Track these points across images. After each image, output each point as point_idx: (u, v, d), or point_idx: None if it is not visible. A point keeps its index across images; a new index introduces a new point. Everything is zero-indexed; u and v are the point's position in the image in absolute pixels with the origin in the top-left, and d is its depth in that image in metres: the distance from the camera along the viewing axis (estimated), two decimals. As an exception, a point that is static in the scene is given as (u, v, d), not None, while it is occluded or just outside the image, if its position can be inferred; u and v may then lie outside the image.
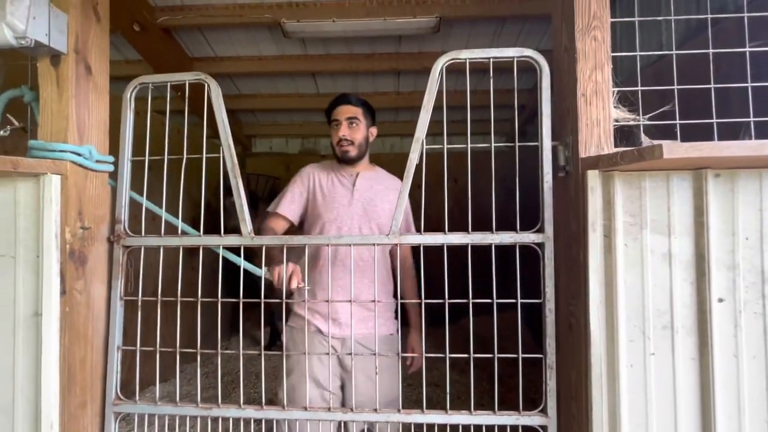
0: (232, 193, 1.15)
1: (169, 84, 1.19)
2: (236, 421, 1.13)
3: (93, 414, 1.14)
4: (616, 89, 1.01)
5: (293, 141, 4.86)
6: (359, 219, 1.43)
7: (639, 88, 1.00)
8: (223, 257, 1.19)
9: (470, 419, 1.06)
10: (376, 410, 1.11)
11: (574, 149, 1.02)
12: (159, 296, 1.14)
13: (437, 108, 1.07)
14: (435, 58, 1.08)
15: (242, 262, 1.20)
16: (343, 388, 1.40)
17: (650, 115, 1.00)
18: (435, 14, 2.37)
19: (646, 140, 0.96)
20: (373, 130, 1.54)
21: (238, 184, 1.14)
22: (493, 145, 1.09)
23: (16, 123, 1.14)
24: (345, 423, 1.36)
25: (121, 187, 1.18)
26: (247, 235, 1.15)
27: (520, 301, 1.06)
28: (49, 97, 1.09)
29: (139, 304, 1.15)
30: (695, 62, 1.12)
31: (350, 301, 1.17)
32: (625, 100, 1.03)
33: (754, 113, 0.97)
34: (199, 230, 1.18)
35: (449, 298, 1.08)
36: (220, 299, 1.15)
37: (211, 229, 1.18)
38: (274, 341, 3.56)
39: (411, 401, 2.36)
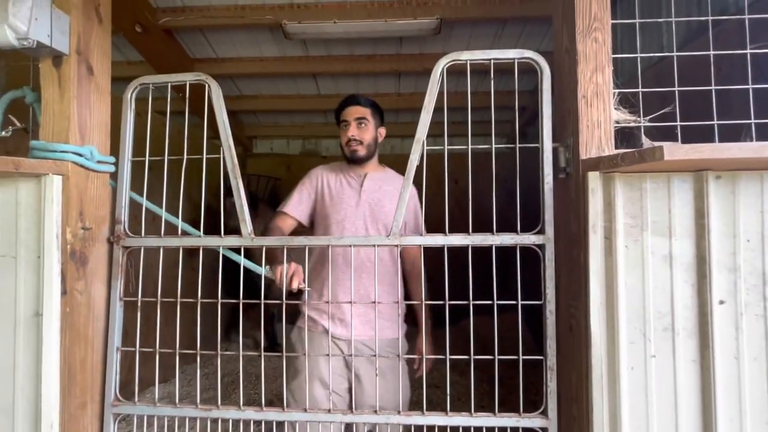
0: (233, 193, 1.15)
1: (169, 84, 1.19)
2: (236, 422, 1.12)
3: (93, 414, 1.13)
4: (617, 91, 1.01)
5: (294, 142, 4.86)
6: (366, 220, 1.43)
7: (640, 89, 1.00)
8: (224, 255, 1.19)
9: (470, 421, 1.06)
10: (376, 412, 1.11)
11: (574, 151, 1.02)
12: (159, 297, 1.14)
13: (438, 109, 1.07)
14: (436, 60, 1.08)
15: (242, 261, 1.20)
16: (351, 390, 1.40)
17: (651, 116, 1.00)
18: (436, 16, 2.38)
19: (646, 142, 0.96)
20: (382, 131, 1.54)
21: (239, 184, 1.14)
22: (493, 146, 1.09)
23: (18, 123, 1.14)
24: (353, 425, 1.37)
25: (121, 188, 1.18)
26: (247, 236, 1.15)
27: (520, 302, 1.06)
28: (50, 97, 1.10)
29: (139, 304, 1.15)
30: (696, 64, 1.12)
31: (350, 302, 1.17)
32: (625, 102, 1.03)
33: (755, 115, 0.97)
34: (197, 234, 1.18)
35: (450, 300, 1.08)
36: (220, 300, 1.15)
37: (212, 229, 1.18)
38: (274, 343, 3.55)
39: (411, 402, 2.36)
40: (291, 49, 2.94)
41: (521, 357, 1.05)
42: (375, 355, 1.15)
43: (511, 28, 2.62)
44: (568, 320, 1.06)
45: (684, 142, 0.90)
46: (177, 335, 1.14)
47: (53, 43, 1.05)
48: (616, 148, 1.00)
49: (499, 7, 2.37)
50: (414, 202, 1.48)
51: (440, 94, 1.07)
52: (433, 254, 1.20)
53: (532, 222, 1.06)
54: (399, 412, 1.10)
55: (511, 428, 1.05)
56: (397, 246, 1.13)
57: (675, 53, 1.02)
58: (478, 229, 1.07)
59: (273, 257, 1.26)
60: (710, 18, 1.05)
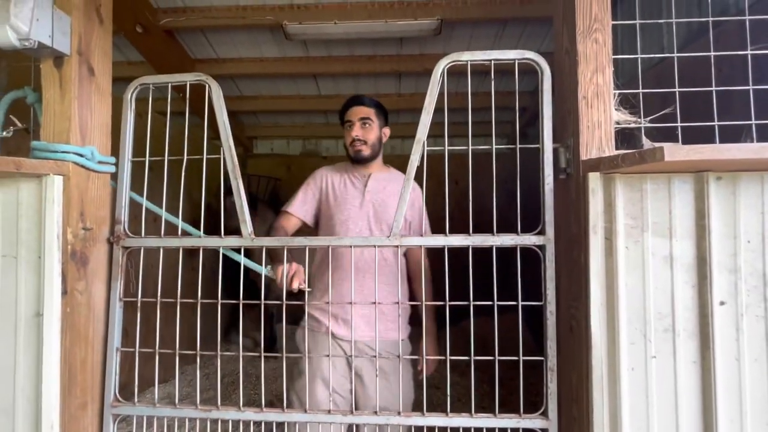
0: (232, 192, 1.15)
1: (170, 85, 1.19)
2: (236, 423, 1.12)
3: (93, 415, 1.14)
4: (618, 92, 1.01)
5: (294, 142, 4.86)
6: (370, 220, 1.43)
7: (640, 90, 1.00)
8: (225, 255, 1.19)
9: (471, 422, 1.05)
10: (376, 413, 1.11)
11: (575, 151, 1.02)
12: (158, 297, 1.14)
13: (438, 110, 1.07)
14: (436, 60, 1.08)
15: (242, 260, 1.20)
16: (352, 391, 1.40)
17: (651, 117, 1.00)
18: (436, 16, 2.38)
19: (647, 143, 0.96)
20: (386, 131, 1.54)
21: (239, 185, 1.14)
22: (494, 147, 1.09)
23: (19, 124, 1.14)
24: (356, 426, 1.37)
25: (121, 188, 1.18)
26: (248, 237, 1.15)
27: (521, 303, 1.06)
28: (51, 98, 1.10)
29: (139, 305, 1.15)
30: (697, 65, 1.12)
31: (351, 303, 1.17)
32: (626, 103, 1.03)
33: (756, 116, 0.97)
34: (197, 234, 1.18)
35: (450, 300, 1.08)
36: (220, 301, 1.15)
37: (212, 230, 1.18)
38: (273, 344, 3.53)
39: (414, 404, 2.35)
40: (291, 49, 2.95)
41: (521, 358, 1.05)
42: (375, 356, 1.15)
43: (511, 28, 2.63)
44: (568, 321, 1.06)
45: (684, 143, 0.90)
46: (177, 336, 1.14)
47: (54, 44, 1.05)
48: (617, 148, 1.00)
49: (500, 7, 2.37)
50: (420, 203, 1.48)
51: (441, 94, 1.07)
52: (433, 255, 1.20)
53: (533, 223, 1.06)
54: (399, 413, 1.09)
55: (512, 429, 1.04)
56: (397, 247, 1.13)
57: (675, 54, 1.02)
58: (478, 229, 1.07)
59: (276, 256, 1.26)
60: (711, 19, 1.05)
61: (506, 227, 1.09)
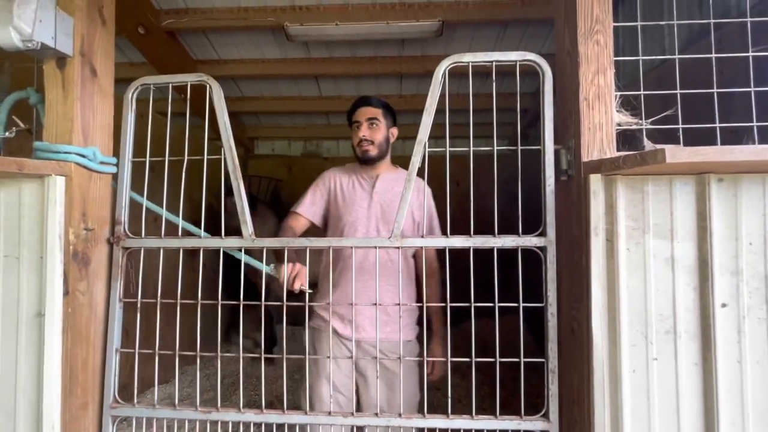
0: (232, 192, 1.15)
1: (170, 85, 1.19)
2: (236, 424, 1.12)
3: (94, 415, 1.14)
4: (619, 93, 1.01)
5: (295, 143, 4.87)
6: (377, 221, 1.43)
7: (641, 92, 1.00)
8: (226, 252, 1.19)
9: (472, 424, 1.05)
10: (376, 414, 1.11)
11: (576, 153, 1.02)
12: (159, 298, 1.14)
13: (439, 111, 1.07)
14: (438, 62, 1.08)
15: (243, 257, 1.20)
16: (358, 391, 1.40)
17: (653, 119, 1.00)
18: (438, 18, 2.38)
19: (648, 144, 0.96)
20: (394, 131, 1.54)
21: (240, 185, 1.14)
22: (495, 148, 1.09)
23: (22, 125, 1.15)
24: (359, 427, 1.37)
25: (121, 188, 1.18)
26: (248, 237, 1.15)
27: (522, 304, 1.06)
28: (54, 99, 1.10)
29: (139, 306, 1.15)
30: (698, 66, 1.12)
31: (352, 303, 1.17)
32: (627, 104, 1.03)
33: (758, 118, 0.97)
34: (198, 234, 1.18)
35: (451, 301, 1.08)
36: (220, 302, 1.15)
37: (213, 230, 1.18)
38: (273, 344, 3.52)
39: (419, 405, 2.35)
40: (293, 50, 2.95)
41: (522, 360, 1.05)
42: (376, 357, 1.15)
43: (512, 30, 2.63)
44: (569, 323, 1.05)
45: (686, 144, 0.91)
46: (177, 336, 1.14)
47: (57, 45, 1.05)
48: (618, 150, 1.00)
49: (501, 9, 2.37)
50: (429, 203, 1.48)
51: (442, 96, 1.07)
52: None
53: (534, 224, 1.06)
54: (400, 415, 1.09)
55: (513, 431, 1.04)
56: (398, 248, 1.13)
57: (677, 56, 1.02)
58: (479, 231, 1.07)
59: (282, 256, 1.26)
60: (712, 21, 1.05)
61: (507, 229, 1.09)
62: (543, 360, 1.04)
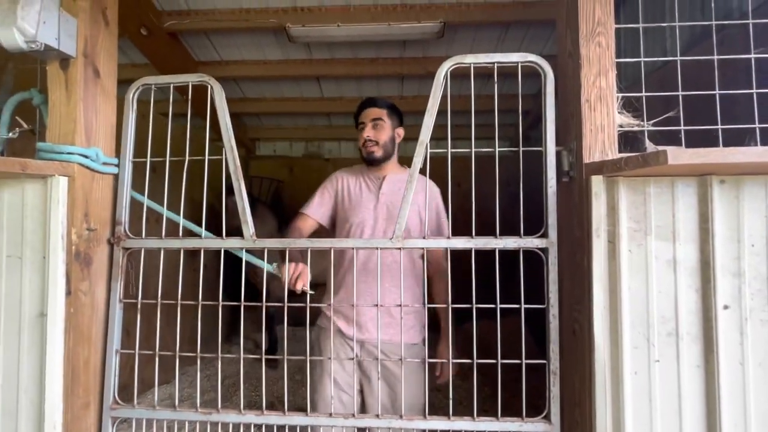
0: (233, 192, 1.15)
1: (171, 86, 1.19)
2: (236, 425, 1.12)
3: (95, 415, 1.14)
4: (621, 95, 1.01)
5: (297, 144, 4.88)
6: (384, 222, 1.43)
7: (643, 93, 1.00)
8: (228, 251, 1.19)
9: (473, 425, 1.05)
10: (377, 416, 1.11)
11: (578, 154, 1.02)
12: (159, 299, 1.14)
13: (441, 112, 1.07)
14: (439, 63, 1.08)
15: (245, 255, 1.19)
16: (362, 392, 1.40)
17: (655, 120, 1.00)
18: (439, 19, 2.39)
19: (650, 146, 0.96)
20: (400, 131, 1.54)
21: (241, 186, 1.15)
22: (497, 149, 1.09)
23: (25, 125, 1.15)
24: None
25: (121, 189, 1.18)
26: (249, 238, 1.15)
27: (523, 306, 1.06)
28: (57, 99, 1.11)
29: (139, 306, 1.15)
30: (700, 68, 1.12)
31: (353, 305, 1.17)
32: (629, 106, 1.03)
33: (759, 119, 0.97)
34: (200, 233, 1.18)
35: (453, 303, 1.08)
36: (221, 302, 1.15)
37: (214, 231, 1.19)
38: (274, 348, 3.49)
39: (423, 407, 2.34)
40: (294, 52, 2.96)
41: (524, 361, 1.05)
42: (377, 359, 1.15)
43: (514, 31, 2.63)
44: (571, 324, 1.05)
45: (688, 146, 0.91)
46: (177, 337, 1.14)
47: (61, 46, 1.06)
48: (620, 152, 1.00)
49: (503, 11, 2.38)
50: (437, 203, 1.47)
51: (443, 97, 1.07)
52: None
53: (535, 226, 1.06)
54: (401, 417, 1.09)
55: (514, 433, 1.04)
56: (399, 249, 1.13)
57: (679, 58, 1.02)
58: (481, 232, 1.07)
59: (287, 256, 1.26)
60: (714, 23, 1.05)
61: (509, 230, 1.09)
62: (544, 361, 1.04)
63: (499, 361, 1.05)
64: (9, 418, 1.03)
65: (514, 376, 1.12)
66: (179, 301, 1.14)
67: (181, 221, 1.18)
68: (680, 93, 0.99)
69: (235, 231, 1.16)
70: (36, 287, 1.05)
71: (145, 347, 1.17)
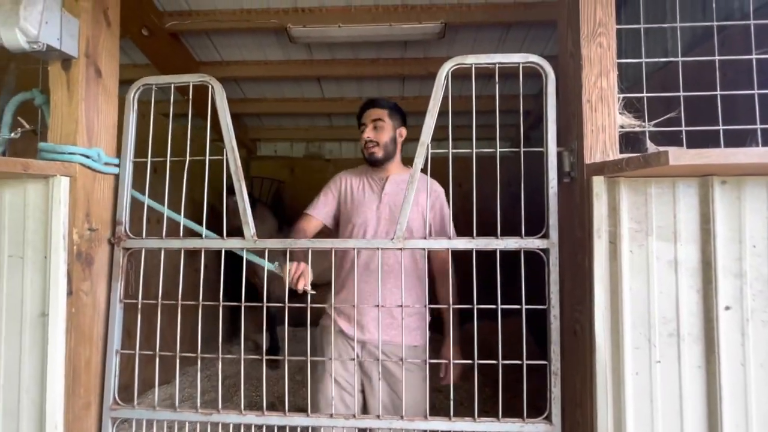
0: (234, 192, 1.15)
1: (172, 86, 1.19)
2: (237, 426, 1.12)
3: (96, 415, 1.14)
4: (622, 95, 1.01)
5: (298, 145, 4.88)
6: (386, 223, 1.43)
7: (644, 94, 1.00)
8: (229, 250, 1.19)
9: (474, 426, 1.05)
10: (378, 417, 1.11)
11: (579, 155, 1.02)
12: (159, 299, 1.14)
13: (441, 113, 1.08)
14: (440, 64, 1.09)
15: (246, 254, 1.19)
16: (363, 392, 1.40)
17: (656, 121, 1.00)
18: (440, 20, 2.39)
19: (651, 147, 0.96)
20: (402, 131, 1.54)
21: (242, 186, 1.15)
22: (498, 150, 1.09)
23: (27, 126, 1.15)
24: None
25: (122, 189, 1.18)
26: (250, 238, 1.15)
27: (524, 307, 1.06)
28: (59, 100, 1.11)
29: (139, 307, 1.15)
30: (701, 69, 1.12)
31: (354, 305, 1.17)
32: (630, 107, 1.03)
33: (761, 120, 0.97)
34: (201, 232, 1.18)
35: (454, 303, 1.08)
36: (222, 303, 1.15)
37: (215, 232, 1.19)
38: (275, 348, 3.48)
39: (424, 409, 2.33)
40: (295, 52, 2.96)
41: (525, 362, 1.05)
42: (378, 359, 1.15)
43: (515, 32, 2.63)
44: (572, 325, 1.05)
45: (689, 147, 0.90)
46: (178, 338, 1.14)
47: (62, 47, 1.06)
48: (621, 152, 1.00)
49: (504, 11, 2.38)
50: (441, 203, 1.47)
51: (444, 97, 1.07)
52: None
53: (537, 226, 1.06)
54: (402, 418, 1.09)
55: (515, 433, 1.04)
56: (400, 249, 1.13)
57: (680, 59, 1.02)
58: (481, 233, 1.07)
59: (290, 253, 1.25)
60: (715, 23, 1.05)
61: (510, 231, 1.09)
62: (545, 362, 1.04)
63: (500, 361, 1.05)
64: (10, 418, 1.03)
65: (515, 377, 1.12)
66: (180, 302, 1.14)
67: (182, 220, 1.18)
68: (681, 94, 0.99)
69: (236, 231, 1.16)
70: (37, 287, 1.05)
71: (146, 347, 1.17)
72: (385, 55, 3.00)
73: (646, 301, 0.93)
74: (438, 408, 2.22)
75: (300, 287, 1.19)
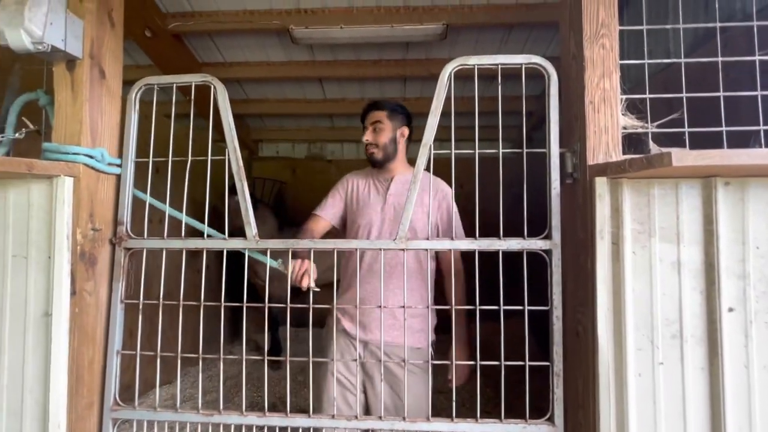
0: (236, 191, 1.16)
1: (174, 85, 1.19)
2: (238, 427, 1.12)
3: (99, 415, 1.14)
4: (624, 97, 1.01)
5: (300, 146, 4.88)
6: (390, 223, 1.43)
7: (647, 95, 1.00)
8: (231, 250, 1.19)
9: (476, 427, 1.05)
10: (380, 418, 1.10)
11: (581, 156, 1.02)
12: (161, 299, 1.15)
13: (443, 114, 1.08)
14: (442, 65, 1.09)
15: (247, 252, 1.19)
16: (365, 392, 1.40)
17: (659, 122, 1.00)
18: (442, 21, 2.39)
19: (654, 148, 0.96)
20: (404, 130, 1.53)
21: (244, 187, 1.15)
22: (501, 151, 1.09)
23: (31, 126, 1.16)
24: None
25: (123, 188, 1.19)
26: (252, 239, 1.15)
27: (527, 308, 1.06)
28: (64, 100, 1.11)
29: (140, 307, 1.16)
30: (704, 70, 1.12)
31: (356, 306, 1.17)
32: (633, 108, 1.03)
33: (764, 121, 0.97)
34: (203, 231, 1.18)
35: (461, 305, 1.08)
36: (223, 303, 1.15)
37: (217, 231, 1.19)
38: (277, 350, 3.46)
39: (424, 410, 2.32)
40: (298, 53, 2.97)
41: (527, 363, 1.05)
42: (381, 360, 1.15)
43: (516, 34, 2.63)
44: (574, 326, 1.05)
45: (692, 148, 0.90)
46: (179, 338, 1.14)
47: (67, 47, 1.07)
48: (624, 153, 1.00)
49: (505, 12, 2.38)
50: (447, 204, 1.46)
51: (447, 98, 1.07)
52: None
53: (539, 227, 1.06)
54: (404, 419, 1.09)
55: (517, 435, 1.04)
56: (403, 250, 1.13)
57: (683, 59, 1.02)
58: (483, 234, 1.07)
59: (294, 252, 1.25)
60: (718, 25, 1.05)
61: (512, 232, 1.09)
62: (548, 363, 1.04)
63: (503, 362, 1.05)
64: (14, 418, 1.04)
65: (515, 379, 1.12)
66: (181, 302, 1.15)
67: (184, 218, 1.18)
68: (684, 95, 0.99)
69: (238, 231, 1.16)
70: (41, 287, 1.05)
71: (148, 348, 1.17)
72: (386, 56, 3.01)
73: (649, 303, 0.93)
74: (439, 409, 2.21)
75: (304, 285, 1.19)
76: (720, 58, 0.99)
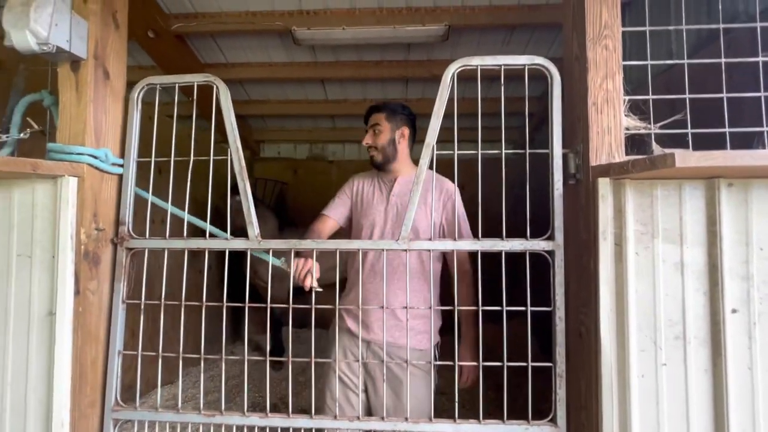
0: (238, 191, 1.16)
1: (177, 85, 1.19)
2: (240, 428, 1.12)
3: (101, 414, 1.14)
4: (627, 98, 1.01)
5: (301, 146, 4.89)
6: (393, 224, 1.43)
7: (650, 96, 1.00)
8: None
9: (479, 429, 1.05)
10: (383, 418, 1.10)
11: (584, 157, 1.02)
12: (162, 299, 1.15)
13: (446, 115, 1.08)
14: (444, 66, 1.09)
15: (249, 251, 1.19)
16: (366, 392, 1.40)
17: (662, 123, 1.00)
18: (444, 22, 2.39)
19: (657, 149, 0.96)
20: (404, 131, 1.53)
21: (246, 187, 1.15)
22: (503, 151, 1.09)
23: (36, 126, 1.17)
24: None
25: (125, 188, 1.19)
26: (254, 239, 1.15)
27: (530, 308, 1.06)
28: (68, 101, 1.12)
29: (142, 307, 1.16)
30: (707, 71, 1.12)
31: (358, 306, 1.17)
32: (636, 109, 1.03)
33: (767, 122, 0.97)
34: (206, 231, 1.18)
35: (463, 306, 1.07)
36: (225, 304, 1.15)
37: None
38: (278, 350, 3.46)
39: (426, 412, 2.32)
40: (300, 54, 2.97)
41: (530, 364, 1.05)
42: (383, 361, 1.15)
43: (519, 35, 2.63)
44: (577, 327, 1.05)
45: (695, 149, 0.90)
46: (181, 339, 1.14)
47: (72, 48, 1.07)
48: (627, 154, 1.00)
49: (508, 14, 2.38)
50: (452, 204, 1.45)
51: (449, 99, 1.07)
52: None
53: (542, 228, 1.06)
54: (406, 420, 1.09)
55: (520, 436, 1.03)
56: (405, 251, 1.13)
57: (686, 61, 1.02)
58: (487, 234, 1.07)
59: (297, 251, 1.25)
60: (721, 26, 1.05)
61: (514, 232, 1.08)
62: (550, 364, 1.04)
63: (505, 363, 1.05)
64: (18, 416, 1.04)
65: (518, 380, 1.11)
66: (183, 302, 1.15)
67: (186, 216, 1.19)
68: (687, 96, 0.99)
69: (239, 231, 1.16)
70: (45, 286, 1.06)
71: (150, 348, 1.18)
72: (388, 57, 3.01)
73: (652, 304, 0.93)
74: (441, 410, 2.21)
75: (307, 284, 1.19)
76: (723, 60, 0.99)
